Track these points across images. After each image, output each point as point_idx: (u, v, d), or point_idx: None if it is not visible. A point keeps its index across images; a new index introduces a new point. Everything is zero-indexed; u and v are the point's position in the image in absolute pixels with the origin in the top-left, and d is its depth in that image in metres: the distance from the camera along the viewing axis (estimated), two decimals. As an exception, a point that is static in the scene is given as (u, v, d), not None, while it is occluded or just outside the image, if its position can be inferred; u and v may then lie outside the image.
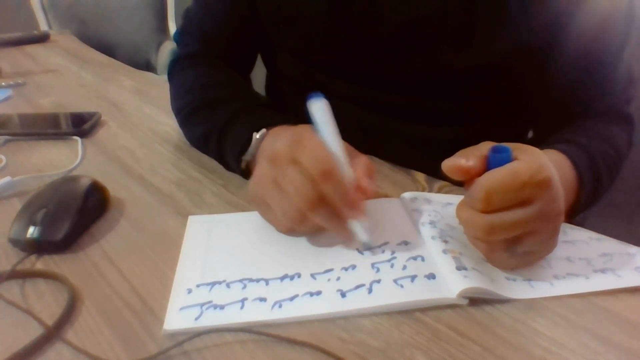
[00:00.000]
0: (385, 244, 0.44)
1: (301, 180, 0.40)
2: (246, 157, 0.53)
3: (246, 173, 0.54)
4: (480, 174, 0.38)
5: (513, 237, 0.38)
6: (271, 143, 0.46)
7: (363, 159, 0.45)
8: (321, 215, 0.41)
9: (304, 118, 0.70)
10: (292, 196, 0.40)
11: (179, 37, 0.73)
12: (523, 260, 0.40)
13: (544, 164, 0.37)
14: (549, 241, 0.40)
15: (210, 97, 0.62)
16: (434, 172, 0.58)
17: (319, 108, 0.44)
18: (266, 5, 0.65)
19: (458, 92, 0.61)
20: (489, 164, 0.38)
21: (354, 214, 0.41)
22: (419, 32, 0.57)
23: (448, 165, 0.39)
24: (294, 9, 0.62)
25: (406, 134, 0.66)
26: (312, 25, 0.62)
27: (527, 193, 0.37)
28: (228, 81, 0.66)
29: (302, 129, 0.44)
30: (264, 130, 0.52)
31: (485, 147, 0.39)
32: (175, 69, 0.71)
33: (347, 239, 0.43)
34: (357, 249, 0.43)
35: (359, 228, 0.42)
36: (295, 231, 0.44)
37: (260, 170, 0.44)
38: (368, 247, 0.43)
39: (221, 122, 0.57)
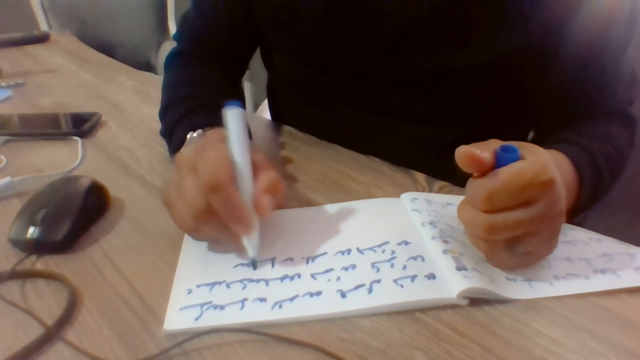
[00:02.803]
0: (385, 243, 0.44)
1: (194, 189, 0.40)
2: None
3: None
4: (488, 169, 0.37)
5: (514, 237, 0.38)
6: (184, 149, 0.46)
7: (269, 174, 0.43)
8: (211, 227, 0.41)
9: (304, 118, 0.70)
10: (187, 203, 0.41)
11: (176, 36, 0.75)
12: (523, 260, 0.40)
13: (547, 165, 0.37)
14: (550, 242, 0.40)
15: (178, 96, 0.63)
16: (434, 172, 0.58)
17: (233, 117, 0.43)
18: (262, 7, 0.65)
19: (457, 92, 0.61)
20: (497, 162, 0.38)
21: (240, 230, 0.41)
22: (417, 32, 0.57)
23: (463, 151, 0.37)
24: (290, 11, 0.62)
25: (405, 134, 0.66)
26: (308, 26, 0.62)
27: (529, 194, 0.37)
28: (200, 80, 0.67)
29: (214, 135, 0.44)
30: (200, 130, 0.52)
31: (494, 144, 0.39)
32: (167, 64, 0.72)
33: (238, 250, 0.43)
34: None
35: (246, 244, 0.42)
36: (198, 235, 0.44)
37: (171, 174, 0.45)
38: (254, 264, 0.42)
39: (172, 123, 0.58)
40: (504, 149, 0.38)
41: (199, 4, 0.71)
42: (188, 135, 0.53)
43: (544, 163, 0.37)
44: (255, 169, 0.43)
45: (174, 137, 0.57)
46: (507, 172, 0.37)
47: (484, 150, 0.38)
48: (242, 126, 0.43)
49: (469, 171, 0.39)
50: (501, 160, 0.38)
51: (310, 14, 0.61)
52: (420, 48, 0.58)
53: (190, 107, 0.58)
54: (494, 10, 0.54)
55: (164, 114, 0.63)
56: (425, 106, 0.63)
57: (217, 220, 0.40)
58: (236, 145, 0.43)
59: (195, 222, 0.41)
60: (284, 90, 0.78)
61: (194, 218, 0.40)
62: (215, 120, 0.51)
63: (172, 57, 0.72)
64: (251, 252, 0.42)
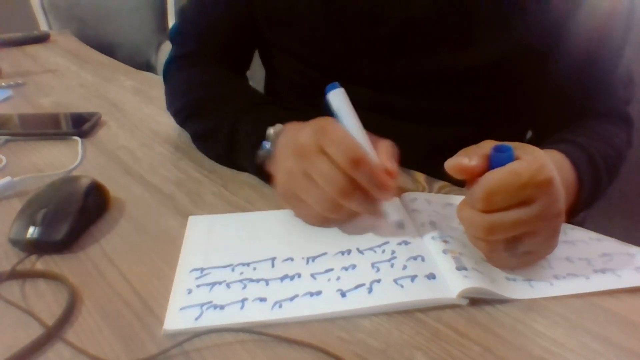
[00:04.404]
0: (386, 243, 0.44)
1: (332, 170, 0.41)
2: (262, 152, 0.52)
3: (260, 169, 0.54)
4: (482, 173, 0.38)
5: (513, 237, 0.38)
6: (291, 137, 0.46)
7: (385, 142, 0.45)
8: (355, 202, 0.42)
9: (303, 119, 0.69)
10: (325, 186, 0.41)
11: (174, 37, 0.73)
12: (523, 260, 0.41)
13: (545, 164, 0.37)
14: (549, 241, 0.40)
15: (212, 95, 0.62)
16: (434, 173, 0.58)
17: (337, 97, 0.44)
18: (262, 5, 0.65)
19: (457, 92, 0.61)
20: (491, 163, 0.38)
21: (386, 196, 0.43)
22: (417, 33, 0.57)
23: (451, 164, 0.39)
24: (289, 10, 0.62)
25: (405, 134, 0.66)
26: (307, 25, 0.62)
27: (527, 193, 0.37)
28: (227, 79, 0.66)
29: (322, 120, 0.44)
30: (279, 125, 0.51)
31: (487, 146, 0.39)
32: (170, 70, 0.70)
33: (380, 219, 0.45)
34: (396, 226, 0.44)
35: (390, 209, 0.44)
36: (330, 221, 0.45)
37: (286, 164, 0.44)
38: (400, 226, 0.44)
39: (231, 119, 0.56)
40: (497, 149, 0.38)
41: (199, 1, 0.70)
42: (272, 130, 0.51)
43: (541, 163, 0.37)
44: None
45: (241, 135, 0.55)
46: (504, 172, 0.37)
47: (474, 155, 0.38)
48: (349, 103, 0.44)
49: (462, 179, 0.39)
50: (495, 160, 0.38)
51: (309, 13, 0.61)
52: (420, 49, 0.58)
53: (247, 105, 0.57)
54: (496, 11, 0.54)
55: (197, 114, 0.62)
56: (425, 106, 0.63)
57: (360, 194, 0.41)
58: (350, 122, 0.44)
59: (337, 203, 0.42)
60: (283, 91, 0.78)
61: (341, 196, 0.41)
62: (287, 117, 0.52)
63: (175, 61, 0.70)
64: (397, 215, 0.44)
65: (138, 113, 0.78)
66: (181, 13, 0.72)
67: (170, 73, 0.71)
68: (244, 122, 0.55)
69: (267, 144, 0.51)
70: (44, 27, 1.84)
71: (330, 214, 0.43)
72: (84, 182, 0.50)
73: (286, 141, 0.49)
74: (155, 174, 0.58)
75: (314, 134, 0.42)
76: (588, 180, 0.51)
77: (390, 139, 0.66)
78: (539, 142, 0.55)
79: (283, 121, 0.52)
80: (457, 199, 0.42)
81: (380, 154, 0.44)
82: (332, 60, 0.64)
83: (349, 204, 0.42)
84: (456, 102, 0.62)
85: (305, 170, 0.42)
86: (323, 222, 0.46)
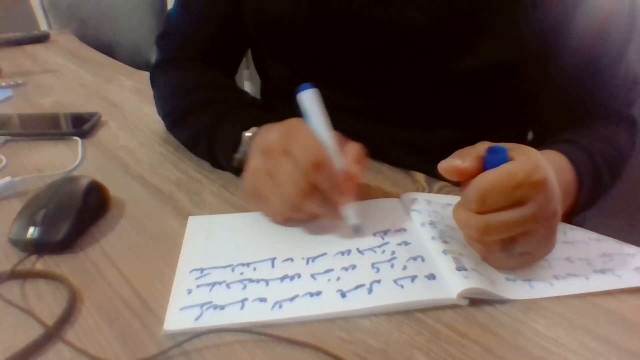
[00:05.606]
0: (386, 244, 0.44)
1: (294, 170, 0.41)
2: (238, 155, 0.53)
3: (239, 171, 0.54)
4: (476, 174, 0.38)
5: (509, 238, 0.38)
6: (262, 138, 0.47)
7: (353, 145, 0.45)
8: (314, 203, 0.43)
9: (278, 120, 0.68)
10: (286, 186, 0.42)
11: (159, 41, 0.72)
12: (520, 260, 0.41)
13: (539, 164, 0.37)
14: (546, 241, 0.40)
15: (195, 100, 0.62)
16: (434, 174, 0.58)
17: (308, 98, 0.45)
18: (250, 11, 0.64)
19: (456, 97, 0.61)
20: (485, 165, 0.38)
21: (344, 200, 0.43)
22: (413, 40, 0.56)
23: (444, 166, 0.39)
24: (275, 16, 0.61)
25: (402, 139, 0.65)
26: (294, 32, 0.61)
27: (521, 193, 0.37)
28: (212, 83, 0.66)
29: (292, 121, 0.45)
30: (254, 128, 0.52)
31: (482, 147, 0.39)
32: (157, 74, 0.70)
33: (338, 221, 0.45)
34: (356, 233, 0.45)
35: (349, 213, 0.44)
36: (292, 220, 0.46)
37: (253, 163, 0.45)
38: (357, 230, 0.45)
39: (210, 124, 0.57)
40: (491, 150, 0.38)
41: (185, 5, 0.69)
42: (248, 133, 0.52)
43: (535, 163, 0.37)
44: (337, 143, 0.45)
45: (219, 139, 0.56)
46: (497, 173, 0.37)
47: (467, 157, 0.38)
48: (320, 105, 0.45)
49: (456, 181, 0.39)
50: (489, 161, 0.38)
51: (295, 20, 0.59)
52: (417, 56, 0.57)
53: (226, 108, 0.57)
54: (494, 16, 0.53)
55: (181, 120, 0.62)
56: (423, 112, 0.62)
57: (320, 196, 0.42)
58: (318, 124, 0.44)
59: (300, 202, 0.42)
60: (278, 97, 0.77)
61: (300, 197, 0.42)
62: (265, 118, 0.52)
63: (161, 65, 0.69)
64: (354, 219, 0.45)
65: (138, 113, 0.78)
66: (167, 17, 0.71)
67: (156, 79, 0.70)
68: (221, 128, 0.56)
69: (243, 148, 0.52)
70: (44, 27, 1.84)
71: (291, 213, 0.44)
72: (84, 182, 0.50)
73: (257, 142, 0.49)
74: (155, 174, 0.58)
75: (281, 135, 0.43)
76: (588, 180, 0.51)
77: (388, 145, 0.66)
78: (540, 143, 0.55)
79: (258, 123, 0.52)
80: (457, 199, 0.42)
81: (346, 156, 0.44)
82: (323, 68, 0.63)
83: (308, 204, 0.43)
84: (455, 106, 0.62)
85: (268, 170, 0.43)
86: (286, 220, 0.46)
